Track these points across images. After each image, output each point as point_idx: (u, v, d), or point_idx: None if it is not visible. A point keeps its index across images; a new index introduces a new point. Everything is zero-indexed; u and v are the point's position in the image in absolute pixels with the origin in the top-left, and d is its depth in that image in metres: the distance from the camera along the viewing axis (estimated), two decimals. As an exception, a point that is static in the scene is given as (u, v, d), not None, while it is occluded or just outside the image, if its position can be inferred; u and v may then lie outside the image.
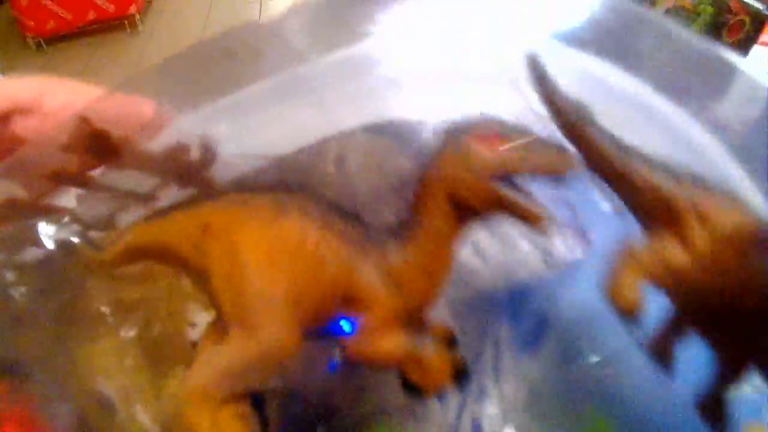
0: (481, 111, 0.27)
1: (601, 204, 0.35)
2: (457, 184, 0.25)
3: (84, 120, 0.30)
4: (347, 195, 0.35)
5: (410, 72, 0.36)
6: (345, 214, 0.27)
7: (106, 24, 2.07)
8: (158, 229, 0.28)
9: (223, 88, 0.36)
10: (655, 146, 0.33)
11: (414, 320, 0.27)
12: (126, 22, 2.06)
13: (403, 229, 0.26)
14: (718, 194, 0.28)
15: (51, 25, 1.98)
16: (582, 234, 0.35)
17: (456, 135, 0.26)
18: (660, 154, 0.31)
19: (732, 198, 0.28)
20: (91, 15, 2.01)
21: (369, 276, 0.25)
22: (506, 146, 0.25)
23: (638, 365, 0.32)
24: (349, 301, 0.26)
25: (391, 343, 0.26)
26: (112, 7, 2.03)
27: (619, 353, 0.33)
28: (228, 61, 0.35)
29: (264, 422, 0.28)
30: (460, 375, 0.27)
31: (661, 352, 0.31)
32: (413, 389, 0.26)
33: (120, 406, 0.33)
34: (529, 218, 0.25)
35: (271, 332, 0.25)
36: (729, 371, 0.29)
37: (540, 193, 0.35)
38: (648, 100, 0.36)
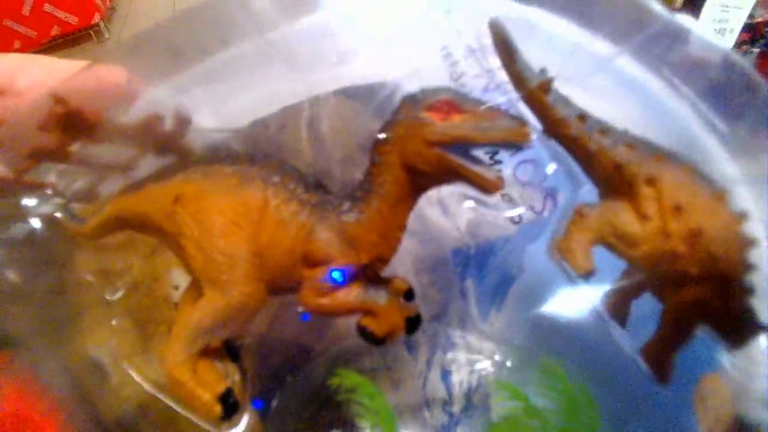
0: (441, 83, 0.28)
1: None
2: (409, 152, 0.26)
3: (57, 99, 0.30)
4: (320, 156, 0.36)
5: (374, 36, 0.36)
6: (306, 181, 0.29)
7: (72, 36, 1.99)
8: (133, 200, 0.30)
9: (196, 57, 0.36)
10: (621, 108, 0.34)
11: (369, 275, 0.29)
12: (91, 31, 1.98)
13: (359, 193, 0.28)
14: (674, 163, 0.29)
15: (17, 45, 1.90)
16: (549, 194, 0.36)
17: (412, 104, 0.27)
18: (625, 115, 0.32)
19: (689, 168, 0.29)
20: (56, 30, 1.93)
21: (325, 235, 0.27)
22: (460, 117, 0.26)
23: (594, 319, 0.34)
24: (308, 258, 0.28)
25: (347, 294, 0.28)
26: (75, 19, 1.94)
27: (578, 307, 0.35)
28: (200, 32, 0.35)
29: (241, 371, 0.30)
30: (413, 324, 0.29)
31: (616, 307, 0.33)
32: (369, 337, 0.28)
33: (112, 371, 0.35)
34: (481, 184, 0.26)
35: (238, 288, 0.27)
36: (677, 328, 0.31)
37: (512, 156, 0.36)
38: (612, 60, 0.36)
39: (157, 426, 0.35)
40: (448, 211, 0.37)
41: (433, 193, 0.36)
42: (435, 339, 0.36)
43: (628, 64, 0.35)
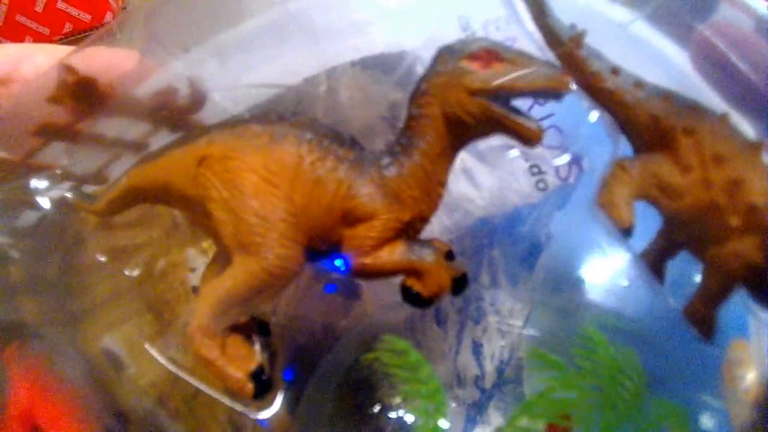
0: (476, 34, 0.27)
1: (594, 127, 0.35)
2: (450, 102, 0.26)
3: (68, 69, 0.29)
4: (338, 128, 0.35)
5: (391, 7, 0.35)
6: (341, 138, 0.27)
7: (84, 34, 1.98)
8: (153, 168, 0.28)
9: (213, 29, 0.35)
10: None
11: (412, 233, 0.28)
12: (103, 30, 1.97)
13: (398, 148, 0.27)
14: (709, 114, 0.29)
15: (28, 41, 1.89)
16: (575, 160, 0.36)
17: (450, 54, 0.26)
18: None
19: (724, 119, 0.29)
20: (68, 27, 1.93)
21: (366, 190, 0.26)
22: (501, 65, 0.25)
23: (632, 279, 0.33)
24: (349, 216, 0.26)
25: (391, 252, 0.27)
26: (88, 17, 1.93)
27: (612, 270, 0.34)
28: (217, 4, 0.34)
29: (271, 349, 0.29)
30: (460, 285, 0.28)
31: (652, 268, 0.32)
32: (414, 298, 0.27)
33: (128, 361, 0.34)
34: (523, 134, 0.26)
35: (274, 251, 0.26)
36: (718, 285, 0.30)
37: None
38: (639, 32, 0.36)
39: (176, 416, 0.34)
40: (473, 180, 0.36)
41: (458, 162, 0.36)
42: (464, 311, 0.35)
43: (648, 32, 0.35)
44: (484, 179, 0.36)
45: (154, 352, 0.31)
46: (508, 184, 0.36)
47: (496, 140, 0.35)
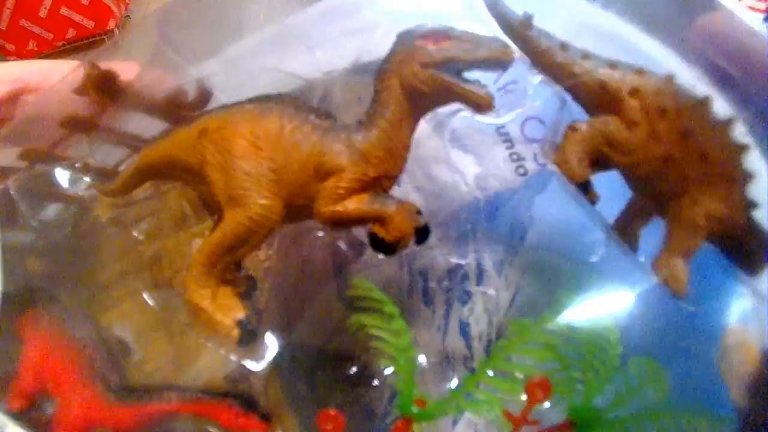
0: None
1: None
2: (407, 74, 0.31)
3: (92, 65, 0.36)
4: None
5: (387, 13, 0.42)
6: (318, 111, 0.33)
7: (87, 41, 2.13)
8: (161, 146, 0.35)
9: (219, 42, 0.42)
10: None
11: (380, 189, 0.33)
12: (105, 37, 2.10)
13: (365, 117, 0.32)
14: (655, 75, 0.33)
15: (32, 45, 2.00)
16: (553, 146, 0.40)
17: (406, 36, 0.32)
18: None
19: (669, 79, 0.33)
20: (71, 33, 2.04)
21: (336, 148, 0.32)
22: (449, 42, 0.31)
23: (609, 253, 0.37)
24: (321, 170, 0.32)
25: (358, 201, 0.32)
26: (91, 24, 2.05)
27: (591, 247, 0.37)
28: (223, 18, 0.42)
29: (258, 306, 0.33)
30: (422, 234, 0.32)
31: (627, 234, 0.36)
32: (379, 244, 0.32)
33: (135, 346, 0.39)
34: (473, 100, 0.31)
35: (258, 201, 0.31)
36: (682, 239, 0.33)
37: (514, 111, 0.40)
38: (620, 31, 0.42)
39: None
40: (455, 169, 0.41)
41: (440, 152, 0.41)
42: (451, 291, 0.39)
43: (616, 23, 0.41)
44: (466, 168, 0.40)
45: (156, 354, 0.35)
46: (490, 170, 0.40)
47: (478, 132, 0.40)
